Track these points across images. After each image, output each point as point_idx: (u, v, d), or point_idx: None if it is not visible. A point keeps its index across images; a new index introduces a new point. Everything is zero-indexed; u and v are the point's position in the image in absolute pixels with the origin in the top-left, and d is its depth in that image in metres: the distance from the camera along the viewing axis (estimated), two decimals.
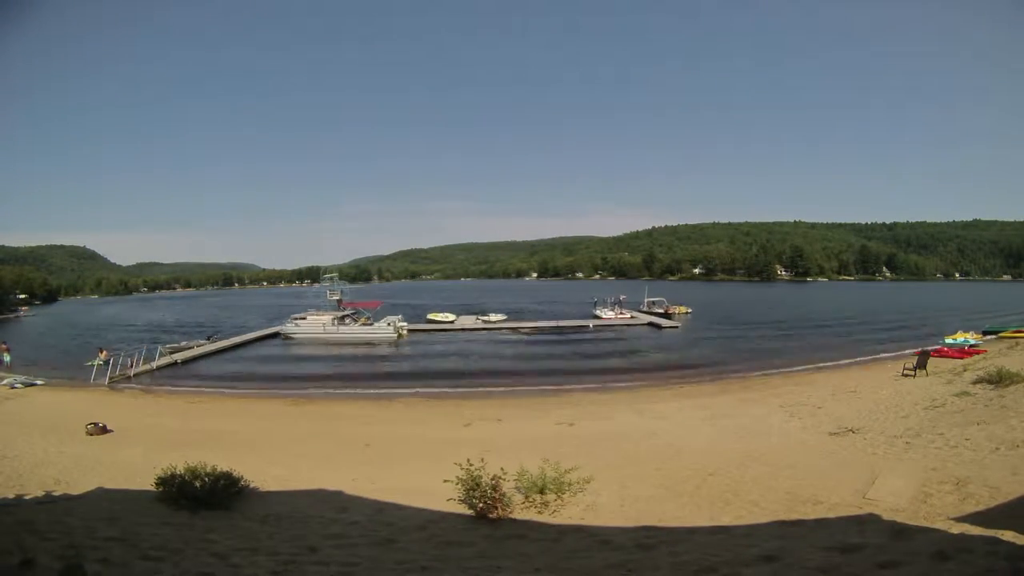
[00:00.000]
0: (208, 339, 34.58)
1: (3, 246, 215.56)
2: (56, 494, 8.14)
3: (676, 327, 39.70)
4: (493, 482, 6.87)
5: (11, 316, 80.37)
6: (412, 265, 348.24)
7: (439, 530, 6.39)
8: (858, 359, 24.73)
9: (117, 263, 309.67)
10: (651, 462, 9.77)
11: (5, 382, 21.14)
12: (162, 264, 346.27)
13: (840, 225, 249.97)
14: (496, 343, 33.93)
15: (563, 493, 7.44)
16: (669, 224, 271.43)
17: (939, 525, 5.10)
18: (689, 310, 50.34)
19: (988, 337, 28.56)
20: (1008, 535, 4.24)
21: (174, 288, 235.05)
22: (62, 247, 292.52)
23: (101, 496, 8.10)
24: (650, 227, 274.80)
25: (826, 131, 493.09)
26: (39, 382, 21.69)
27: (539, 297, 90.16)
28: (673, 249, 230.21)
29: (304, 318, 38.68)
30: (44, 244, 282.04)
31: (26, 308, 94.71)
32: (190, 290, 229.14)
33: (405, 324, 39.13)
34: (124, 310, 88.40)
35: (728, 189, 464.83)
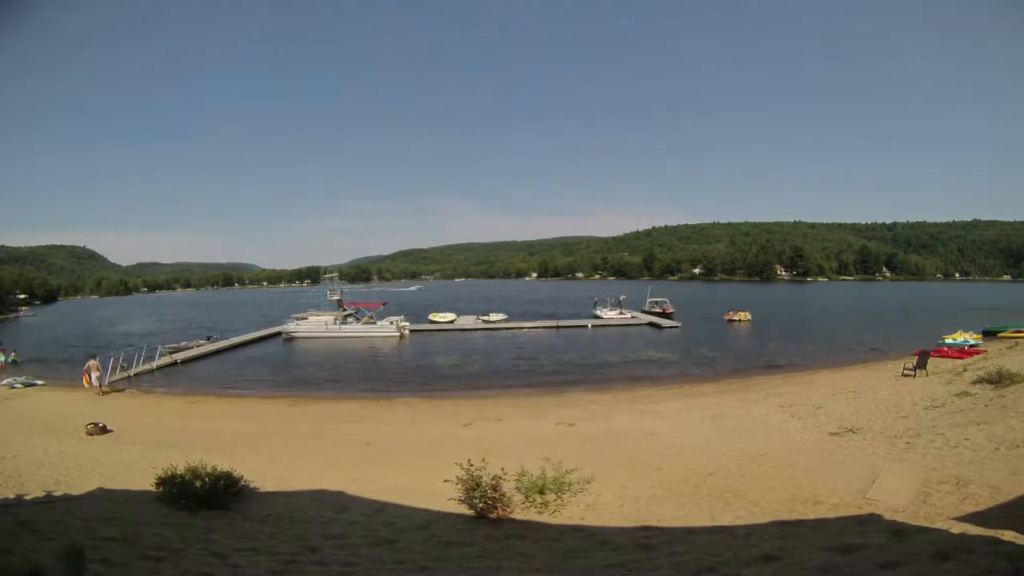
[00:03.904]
0: (208, 339, 34.57)
1: (3, 246, 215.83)
2: (56, 494, 8.14)
3: (676, 327, 39.67)
4: (493, 482, 6.87)
5: (11, 316, 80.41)
6: (412, 265, 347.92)
7: (439, 530, 6.39)
8: (858, 359, 24.71)
9: (117, 263, 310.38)
10: (651, 462, 9.77)
11: (5, 382, 21.14)
12: (162, 264, 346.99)
13: (840, 225, 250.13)
14: (496, 343, 33.92)
15: (563, 493, 7.44)
16: (669, 224, 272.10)
17: (939, 525, 5.10)
18: (749, 316, 44.46)
19: (988, 337, 28.60)
20: (1008, 535, 4.24)
21: (174, 288, 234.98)
22: (62, 247, 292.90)
23: (101, 496, 8.09)
24: (650, 227, 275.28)
25: (826, 131, 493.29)
26: (39, 382, 21.68)
27: (539, 297, 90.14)
28: (673, 249, 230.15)
29: (306, 318, 38.66)
30: (44, 244, 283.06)
31: (26, 308, 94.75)
32: (190, 290, 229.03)
33: (407, 324, 39.10)
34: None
35: (728, 189, 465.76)
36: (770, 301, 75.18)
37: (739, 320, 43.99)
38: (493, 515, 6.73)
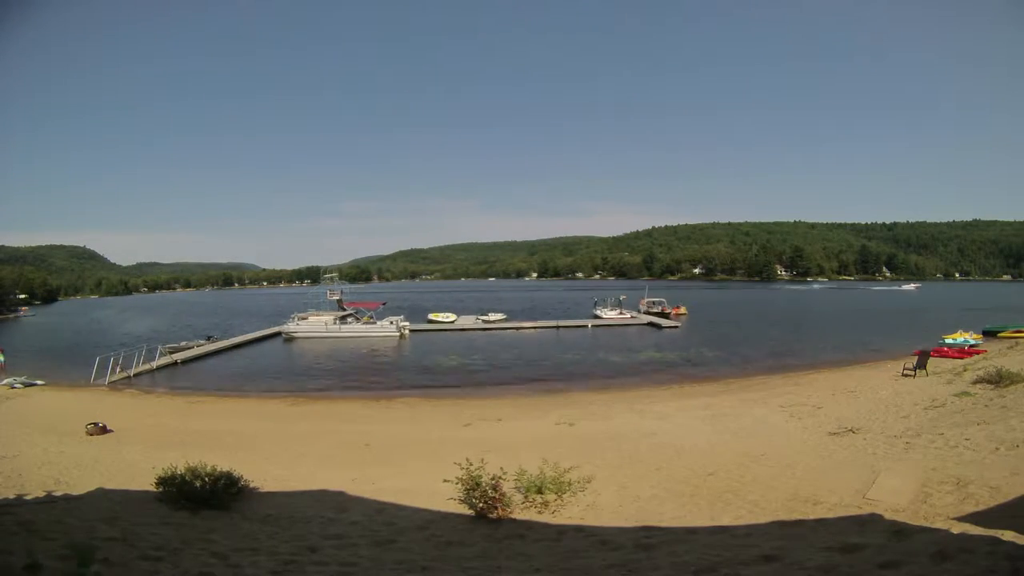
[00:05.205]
0: (208, 339, 34.57)
1: (3, 246, 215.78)
2: (56, 494, 8.13)
3: (676, 327, 39.74)
4: (493, 482, 6.86)
5: (11, 316, 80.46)
6: (412, 265, 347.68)
7: (439, 530, 6.39)
8: (858, 359, 24.71)
9: (117, 263, 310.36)
10: (651, 462, 9.77)
11: (5, 382, 21.15)
12: (162, 264, 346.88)
13: (840, 225, 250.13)
14: (496, 343, 33.92)
15: (563, 493, 7.44)
16: (669, 224, 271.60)
17: (939, 525, 5.09)
18: (684, 311, 50.52)
19: (988, 337, 28.61)
20: (1008, 535, 4.23)
21: (174, 288, 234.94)
22: (62, 247, 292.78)
23: (101, 496, 8.08)
24: (650, 227, 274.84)
25: (826, 131, 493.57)
26: (39, 382, 21.69)
27: (539, 297, 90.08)
28: (673, 249, 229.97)
29: (306, 318, 38.70)
30: (44, 244, 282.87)
31: (26, 308, 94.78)
32: (190, 290, 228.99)
33: (407, 324, 39.13)
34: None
35: (728, 189, 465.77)
36: (766, 301, 75.08)
37: (676, 314, 48.97)
38: (493, 515, 6.72)
